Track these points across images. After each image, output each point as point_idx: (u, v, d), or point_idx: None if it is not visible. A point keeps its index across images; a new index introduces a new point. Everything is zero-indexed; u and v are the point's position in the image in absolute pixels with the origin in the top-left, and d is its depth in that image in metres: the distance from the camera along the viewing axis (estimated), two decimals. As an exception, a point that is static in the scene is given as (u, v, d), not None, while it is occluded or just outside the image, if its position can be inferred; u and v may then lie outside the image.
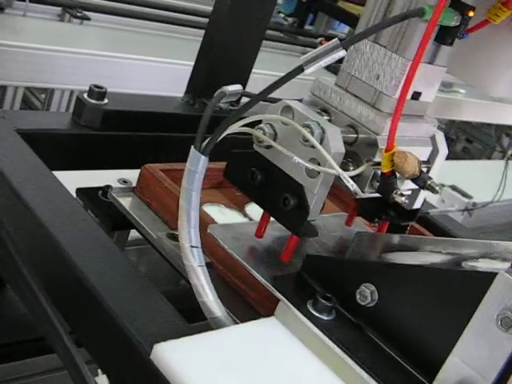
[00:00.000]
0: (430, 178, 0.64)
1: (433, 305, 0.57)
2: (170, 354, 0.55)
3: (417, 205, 0.71)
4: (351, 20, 2.95)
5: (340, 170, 0.60)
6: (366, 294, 0.61)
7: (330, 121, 0.66)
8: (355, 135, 0.65)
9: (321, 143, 0.61)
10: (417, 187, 0.67)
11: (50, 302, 0.45)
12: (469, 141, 4.29)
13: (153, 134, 1.00)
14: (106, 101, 0.96)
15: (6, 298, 0.92)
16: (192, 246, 0.62)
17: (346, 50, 0.60)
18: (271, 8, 1.19)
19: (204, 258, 0.66)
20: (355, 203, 0.76)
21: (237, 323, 0.65)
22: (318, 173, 0.62)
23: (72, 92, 2.02)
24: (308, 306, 0.62)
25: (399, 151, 0.62)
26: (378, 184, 0.65)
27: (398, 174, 0.64)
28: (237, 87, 0.65)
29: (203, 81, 1.09)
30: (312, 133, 0.61)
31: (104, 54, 1.89)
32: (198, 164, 0.62)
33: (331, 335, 0.59)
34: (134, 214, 0.82)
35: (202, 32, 1.14)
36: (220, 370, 0.55)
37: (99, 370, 0.47)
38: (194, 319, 0.66)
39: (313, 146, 0.61)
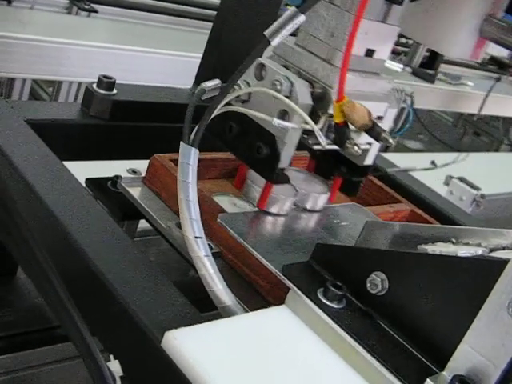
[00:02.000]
0: (384, 131, 0.68)
1: (444, 293, 0.57)
2: (181, 341, 0.55)
3: (368, 161, 0.77)
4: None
5: (309, 119, 0.66)
6: (377, 282, 0.61)
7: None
8: (312, 90, 0.70)
9: (290, 95, 0.67)
10: (372, 141, 0.73)
11: (65, 289, 0.45)
12: (476, 134, 4.28)
13: (162, 125, 1.00)
14: (115, 91, 0.96)
15: (17, 287, 0.92)
16: (196, 237, 0.63)
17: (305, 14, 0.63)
18: (279, 0, 1.18)
19: (214, 247, 0.66)
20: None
21: (247, 312, 0.65)
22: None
23: (80, 85, 2.02)
24: (318, 295, 0.62)
25: (348, 101, 0.66)
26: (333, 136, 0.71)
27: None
28: (215, 82, 0.70)
29: (211, 72, 1.09)
30: (281, 86, 0.67)
31: (111, 47, 1.89)
32: (189, 156, 0.65)
33: (342, 323, 0.59)
34: (144, 203, 0.82)
35: (210, 24, 1.14)
36: (231, 357, 0.55)
37: (111, 356, 0.47)
38: (203, 309, 0.66)
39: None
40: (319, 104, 0.69)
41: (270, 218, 0.73)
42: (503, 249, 0.64)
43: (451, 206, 1.10)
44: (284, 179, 0.71)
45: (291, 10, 0.63)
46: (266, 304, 0.68)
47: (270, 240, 0.70)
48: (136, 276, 0.65)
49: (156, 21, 2.31)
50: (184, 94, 1.08)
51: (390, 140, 0.68)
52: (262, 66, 0.70)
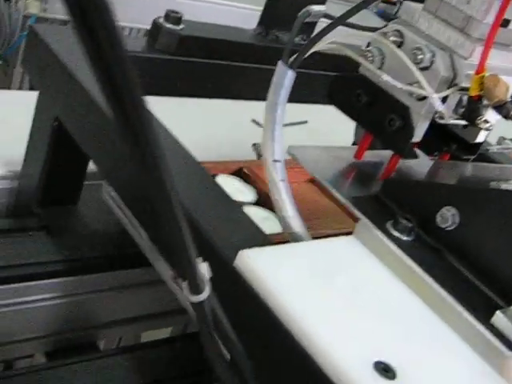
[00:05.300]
0: None
1: (516, 228, 0.57)
2: (254, 260, 0.56)
3: (480, 139, 0.71)
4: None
5: (430, 89, 0.60)
6: (447, 216, 0.61)
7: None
8: None
9: (430, 66, 0.62)
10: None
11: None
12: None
13: (226, 63, 1.00)
14: (181, 26, 0.96)
15: (79, 216, 0.94)
16: (275, 160, 0.63)
17: None
18: None
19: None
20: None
21: (314, 241, 0.66)
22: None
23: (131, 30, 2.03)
24: (387, 226, 0.62)
25: (491, 74, 0.61)
26: (462, 110, 0.65)
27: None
28: (321, 7, 0.66)
29: (277, 13, 1.08)
30: (423, 55, 0.62)
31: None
32: (284, 78, 0.63)
33: (411, 254, 0.60)
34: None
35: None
36: (301, 277, 0.56)
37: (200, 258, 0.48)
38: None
39: (423, 69, 0.62)
40: None
41: (339, 152, 0.73)
42: None
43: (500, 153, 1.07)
44: (413, 154, 0.67)
45: None
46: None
47: (339, 174, 0.70)
48: (209, 201, 0.66)
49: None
50: (248, 34, 1.08)
51: None
52: (398, 32, 0.65)
